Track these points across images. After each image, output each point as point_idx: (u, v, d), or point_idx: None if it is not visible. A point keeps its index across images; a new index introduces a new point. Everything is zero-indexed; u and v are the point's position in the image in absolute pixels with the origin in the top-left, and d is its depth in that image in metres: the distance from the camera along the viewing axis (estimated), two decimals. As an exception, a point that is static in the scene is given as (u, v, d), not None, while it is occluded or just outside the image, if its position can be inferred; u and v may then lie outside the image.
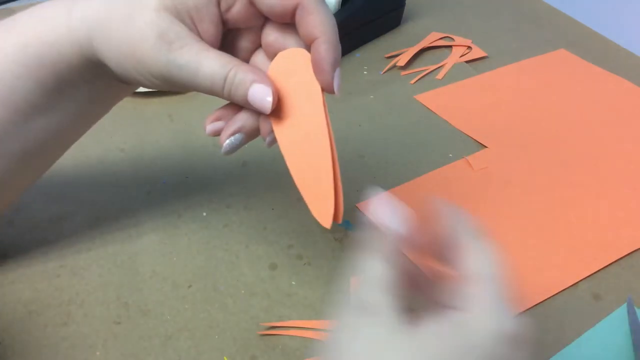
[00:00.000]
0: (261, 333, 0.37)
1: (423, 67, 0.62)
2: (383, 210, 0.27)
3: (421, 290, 0.29)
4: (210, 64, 0.28)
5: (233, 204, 0.46)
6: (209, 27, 0.29)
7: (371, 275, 0.25)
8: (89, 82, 0.33)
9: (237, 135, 0.31)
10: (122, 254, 0.42)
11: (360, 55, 0.65)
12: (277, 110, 0.30)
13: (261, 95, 0.29)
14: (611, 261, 0.40)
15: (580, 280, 0.39)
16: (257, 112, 0.30)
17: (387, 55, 0.64)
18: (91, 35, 0.30)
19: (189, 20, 0.29)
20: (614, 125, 0.53)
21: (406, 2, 0.69)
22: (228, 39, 0.32)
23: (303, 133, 0.30)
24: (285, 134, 0.31)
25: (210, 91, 0.29)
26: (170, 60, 0.28)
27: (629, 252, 0.41)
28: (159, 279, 0.40)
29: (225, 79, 0.28)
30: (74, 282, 0.40)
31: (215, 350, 0.36)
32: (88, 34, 0.30)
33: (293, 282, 0.40)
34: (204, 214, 0.45)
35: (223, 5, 0.29)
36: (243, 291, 0.39)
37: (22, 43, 0.31)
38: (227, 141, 0.31)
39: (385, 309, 0.24)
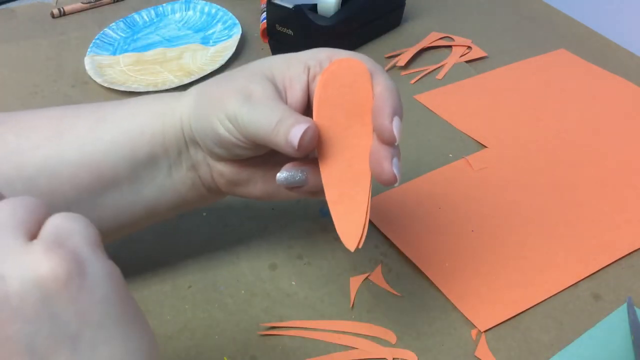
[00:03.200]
0: (261, 333, 0.37)
1: (423, 67, 0.62)
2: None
3: None
4: (272, 110, 0.30)
5: (233, 204, 0.46)
6: (298, 93, 0.32)
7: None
8: (175, 163, 0.35)
9: (298, 173, 0.32)
10: (122, 254, 0.42)
11: (360, 55, 0.65)
12: (323, 118, 0.30)
13: (298, 134, 0.29)
14: (611, 261, 0.40)
15: (580, 280, 0.39)
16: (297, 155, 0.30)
17: (387, 55, 0.64)
18: (190, 111, 0.33)
19: (281, 87, 0.32)
20: (614, 125, 0.53)
21: (406, 2, 0.69)
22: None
23: (346, 153, 0.30)
24: (327, 146, 0.30)
25: (267, 136, 0.30)
26: (247, 106, 0.30)
27: (629, 252, 0.41)
28: (159, 279, 0.40)
29: (278, 122, 0.29)
30: (74, 282, 0.40)
31: (216, 350, 0.36)
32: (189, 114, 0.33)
33: (293, 282, 0.40)
34: (204, 214, 0.45)
35: (310, 74, 0.32)
36: (243, 291, 0.39)
37: (126, 128, 0.33)
38: (285, 173, 0.32)
39: None
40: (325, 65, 0.32)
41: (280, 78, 0.32)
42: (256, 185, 0.35)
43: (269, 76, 0.32)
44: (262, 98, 0.31)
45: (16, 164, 0.33)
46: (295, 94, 0.32)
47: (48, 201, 0.23)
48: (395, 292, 0.39)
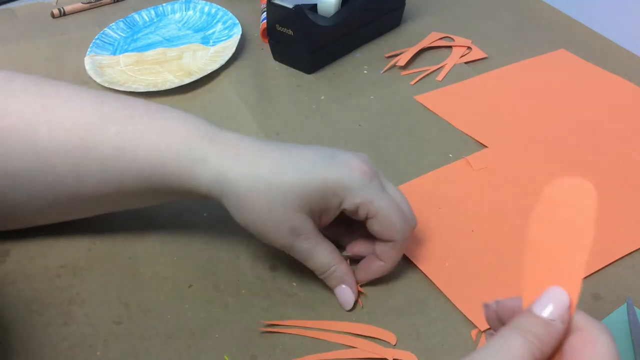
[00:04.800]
0: (262, 330, 0.37)
1: (423, 68, 0.62)
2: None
3: None
4: (321, 256, 0.37)
5: (233, 204, 0.46)
6: (330, 217, 0.37)
7: None
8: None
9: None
10: (122, 254, 0.42)
11: (360, 55, 0.65)
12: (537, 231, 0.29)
13: (345, 298, 0.38)
14: (611, 261, 0.40)
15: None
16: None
17: (387, 55, 0.64)
18: (224, 195, 0.35)
19: (317, 215, 0.36)
20: (614, 125, 0.53)
21: (406, 2, 0.69)
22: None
23: (554, 268, 0.28)
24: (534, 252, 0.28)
25: (314, 270, 0.38)
26: (293, 246, 0.36)
27: (629, 252, 0.41)
28: (159, 279, 0.40)
29: (327, 270, 0.37)
30: (74, 282, 0.40)
31: (216, 350, 0.36)
32: (221, 192, 0.35)
33: (294, 283, 0.40)
34: (205, 214, 0.45)
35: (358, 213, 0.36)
36: (244, 291, 0.39)
37: (150, 164, 0.36)
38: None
39: None
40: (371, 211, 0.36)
41: (317, 209, 0.36)
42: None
43: (307, 210, 0.35)
44: (309, 237, 0.36)
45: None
46: (328, 219, 0.37)
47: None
48: (395, 293, 0.39)
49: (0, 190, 0.37)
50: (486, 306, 0.29)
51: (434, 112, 0.55)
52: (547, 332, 0.25)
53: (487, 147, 0.51)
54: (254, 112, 0.56)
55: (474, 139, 0.52)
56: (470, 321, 0.37)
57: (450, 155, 0.50)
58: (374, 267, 0.38)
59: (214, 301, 0.39)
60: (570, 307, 0.26)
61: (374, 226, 0.36)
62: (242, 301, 0.39)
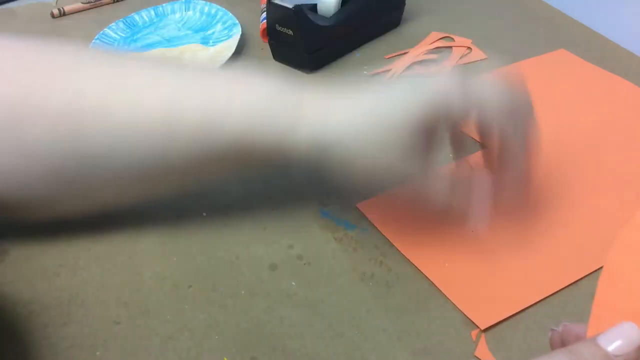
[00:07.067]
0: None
1: (423, 69, 0.62)
2: None
3: None
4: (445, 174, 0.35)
5: (233, 204, 0.46)
6: (438, 137, 0.35)
7: None
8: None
9: None
10: (122, 254, 0.42)
11: (360, 55, 0.65)
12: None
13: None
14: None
15: (580, 280, 0.39)
16: None
17: (387, 56, 0.64)
18: (328, 145, 0.33)
19: (427, 138, 0.34)
20: (614, 126, 0.53)
21: (406, 2, 0.69)
22: None
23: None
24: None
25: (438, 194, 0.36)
26: (417, 172, 0.34)
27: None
28: (159, 279, 0.40)
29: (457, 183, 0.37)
30: (74, 282, 0.40)
31: (216, 350, 0.36)
32: (323, 143, 0.33)
33: (293, 283, 0.40)
34: (204, 214, 0.45)
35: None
36: (243, 291, 0.39)
37: (238, 134, 0.33)
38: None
39: None
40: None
41: (428, 132, 0.34)
42: None
43: (421, 129, 0.33)
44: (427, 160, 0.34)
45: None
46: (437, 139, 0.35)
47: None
48: (395, 292, 0.39)
49: (75, 175, 0.35)
50: (552, 330, 0.28)
51: (434, 112, 0.55)
52: None
53: (486, 147, 0.51)
54: (254, 112, 0.56)
55: (474, 139, 0.52)
56: (471, 321, 0.37)
57: (450, 155, 0.50)
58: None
59: (214, 302, 0.39)
60: (639, 347, 0.24)
61: (486, 114, 0.35)
62: (241, 301, 0.39)
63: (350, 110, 0.33)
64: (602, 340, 0.24)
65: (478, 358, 0.35)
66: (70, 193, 0.36)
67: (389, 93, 0.34)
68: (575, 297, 0.38)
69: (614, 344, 0.23)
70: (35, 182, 0.35)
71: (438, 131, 0.35)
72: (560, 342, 0.27)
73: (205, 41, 0.67)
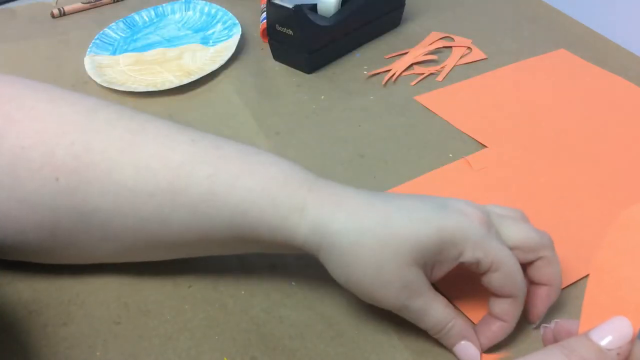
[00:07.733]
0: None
1: (423, 69, 0.62)
2: None
3: None
4: (437, 312, 0.33)
5: (233, 204, 0.45)
6: (444, 271, 0.33)
7: None
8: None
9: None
10: (122, 254, 0.42)
11: (360, 55, 0.65)
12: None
13: (468, 355, 0.34)
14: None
15: (580, 279, 0.39)
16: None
17: (387, 56, 0.64)
18: (322, 249, 0.32)
19: (429, 269, 0.33)
20: (614, 126, 0.53)
21: (406, 2, 0.69)
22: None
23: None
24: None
25: (427, 329, 0.34)
26: (406, 306, 0.32)
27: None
28: (159, 279, 0.40)
29: (445, 327, 0.33)
30: (74, 282, 0.40)
31: (215, 350, 0.36)
32: (319, 245, 0.32)
33: (293, 283, 0.40)
34: (204, 214, 0.45)
35: (480, 268, 0.33)
36: (243, 291, 0.39)
37: (243, 211, 0.32)
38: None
39: None
40: (492, 261, 0.32)
41: (430, 262, 0.32)
42: None
43: (420, 263, 0.32)
44: (422, 294, 0.32)
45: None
46: (439, 273, 0.33)
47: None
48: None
49: (73, 229, 0.34)
50: (544, 327, 0.28)
51: (434, 113, 0.55)
52: (598, 358, 0.24)
53: (487, 147, 0.51)
54: (254, 112, 0.56)
55: (474, 139, 0.52)
56: (471, 320, 0.37)
57: (450, 155, 0.50)
58: (495, 329, 0.34)
59: (214, 302, 0.39)
60: (632, 340, 0.24)
61: (493, 281, 0.32)
62: (241, 302, 0.39)
63: (355, 217, 0.32)
64: (594, 335, 0.24)
65: (478, 358, 0.35)
66: (66, 245, 0.36)
67: (402, 210, 0.32)
68: (576, 297, 0.38)
69: (606, 339, 0.24)
70: (33, 230, 0.34)
71: (443, 267, 0.33)
72: (553, 339, 0.27)
73: (205, 41, 0.67)
